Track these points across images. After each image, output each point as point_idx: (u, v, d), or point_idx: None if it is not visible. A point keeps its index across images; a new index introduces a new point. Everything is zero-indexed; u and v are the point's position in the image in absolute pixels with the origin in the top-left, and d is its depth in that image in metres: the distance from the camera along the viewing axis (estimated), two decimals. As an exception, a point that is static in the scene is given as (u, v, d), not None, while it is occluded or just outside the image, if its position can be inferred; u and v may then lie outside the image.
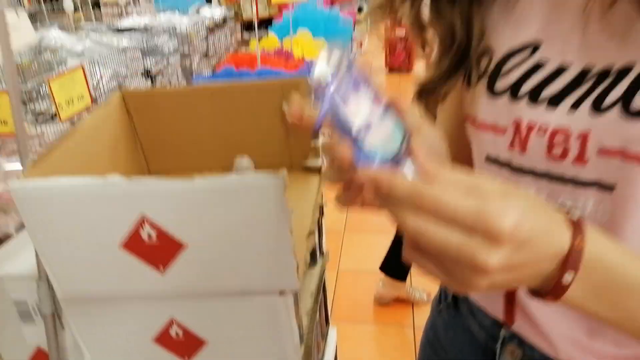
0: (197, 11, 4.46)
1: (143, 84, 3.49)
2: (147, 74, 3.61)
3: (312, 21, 3.22)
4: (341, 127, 0.35)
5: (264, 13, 4.89)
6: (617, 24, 0.42)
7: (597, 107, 0.42)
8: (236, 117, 0.78)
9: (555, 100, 0.45)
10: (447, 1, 0.50)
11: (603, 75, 0.42)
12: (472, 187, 0.32)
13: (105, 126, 0.73)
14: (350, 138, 0.35)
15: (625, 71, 0.41)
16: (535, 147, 0.47)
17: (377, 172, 0.33)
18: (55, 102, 1.82)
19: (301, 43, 3.06)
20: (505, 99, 0.49)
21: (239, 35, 5.59)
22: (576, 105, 0.43)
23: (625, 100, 0.41)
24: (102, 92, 3.00)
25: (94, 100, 2.69)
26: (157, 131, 0.81)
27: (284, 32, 3.14)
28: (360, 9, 5.24)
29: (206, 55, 4.38)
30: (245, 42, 5.43)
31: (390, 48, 5.26)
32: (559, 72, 0.45)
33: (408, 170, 0.34)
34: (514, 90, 0.48)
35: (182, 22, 4.07)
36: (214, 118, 0.79)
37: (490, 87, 0.50)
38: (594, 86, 0.43)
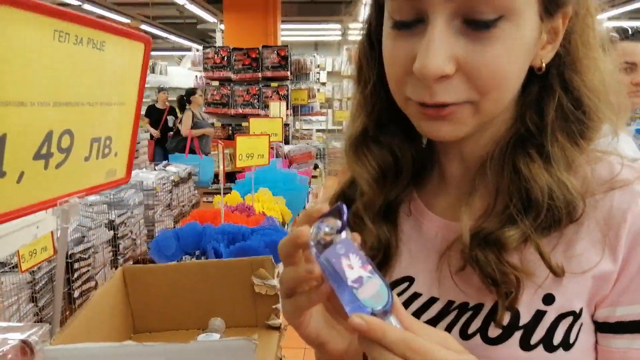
0: (165, 167, 4.82)
1: (106, 235, 3.63)
2: (111, 224, 3.76)
3: (271, 181, 3.56)
4: (336, 277, 0.41)
5: (227, 168, 5.31)
6: (468, 277, 0.51)
7: (464, 334, 0.51)
8: (213, 287, 0.97)
9: (431, 325, 0.51)
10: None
11: (463, 308, 0.52)
12: (444, 342, 0.40)
13: (107, 298, 0.90)
14: (345, 287, 0.40)
15: (479, 306, 0.51)
16: None
17: (372, 319, 0.39)
18: (18, 254, 1.91)
19: (262, 199, 3.33)
20: None
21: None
22: (448, 330, 0.52)
23: (483, 330, 0.50)
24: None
25: (55, 252, 2.78)
26: (146, 298, 0.98)
27: (246, 189, 3.42)
28: (316, 166, 5.81)
29: (169, 206, 4.64)
30: (208, 194, 5.76)
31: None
32: (431, 302, 0.55)
33: (393, 321, 0.40)
34: None
35: (149, 177, 4.37)
36: (193, 288, 0.98)
37: None
38: (459, 316, 0.52)
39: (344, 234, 0.42)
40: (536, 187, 0.48)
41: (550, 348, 0.49)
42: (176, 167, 4.84)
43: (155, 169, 4.73)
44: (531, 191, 0.48)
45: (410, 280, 0.57)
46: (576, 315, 0.49)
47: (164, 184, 4.46)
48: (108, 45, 0.76)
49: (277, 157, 4.54)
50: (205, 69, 6.44)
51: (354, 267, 0.41)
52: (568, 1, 0.48)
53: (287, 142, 6.08)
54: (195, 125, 5.98)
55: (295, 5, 9.99)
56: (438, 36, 0.44)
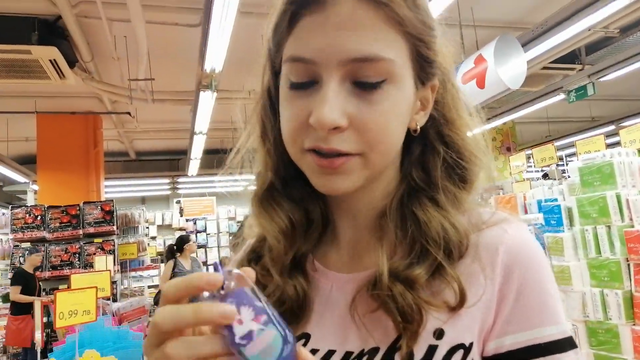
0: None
1: None
2: None
3: (99, 341, 3.18)
4: (227, 335, 0.38)
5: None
6: (368, 322, 0.54)
7: None
8: None
9: None
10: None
11: (360, 355, 0.53)
12: None
13: None
14: (234, 345, 0.37)
15: (375, 350, 0.52)
16: None
17: None
18: None
19: (88, 364, 2.94)
20: None
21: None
22: None
23: None
24: None
25: None
26: None
27: (67, 355, 3.00)
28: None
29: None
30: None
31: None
32: (329, 354, 0.55)
33: None
34: None
35: None
36: None
37: None
38: None
39: (232, 284, 0.39)
40: (433, 228, 0.53)
41: None
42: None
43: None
44: (429, 232, 0.53)
45: (306, 337, 0.58)
46: (466, 349, 0.51)
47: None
48: None
49: (104, 314, 4.07)
50: (13, 231, 5.76)
51: (244, 320, 0.38)
52: (435, 73, 0.57)
53: (115, 299, 5.54)
54: (174, 276, 4.99)
55: (120, 163, 9.88)
56: (332, 94, 0.49)
